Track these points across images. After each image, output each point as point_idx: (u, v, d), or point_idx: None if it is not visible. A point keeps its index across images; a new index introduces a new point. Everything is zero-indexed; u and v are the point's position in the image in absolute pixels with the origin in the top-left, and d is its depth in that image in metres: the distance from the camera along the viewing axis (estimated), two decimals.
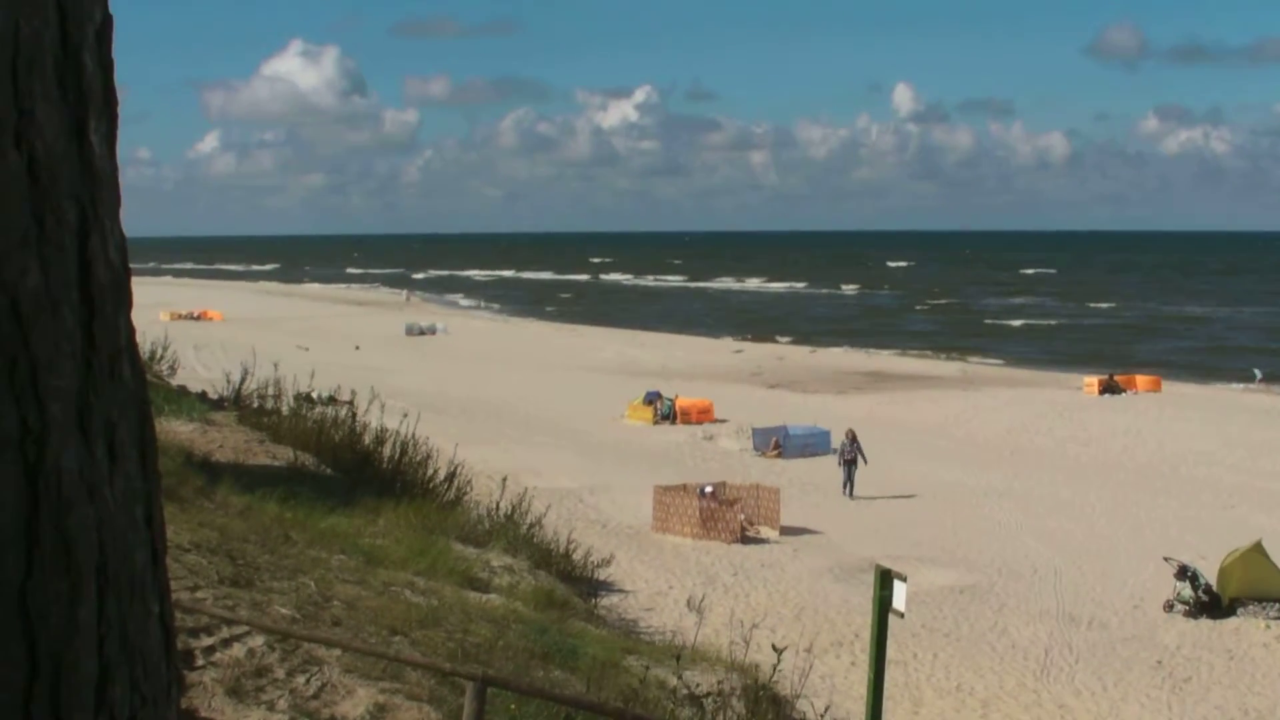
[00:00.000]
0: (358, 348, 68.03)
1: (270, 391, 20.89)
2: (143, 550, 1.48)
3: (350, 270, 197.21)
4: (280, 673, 8.16)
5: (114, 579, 1.40)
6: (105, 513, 1.39)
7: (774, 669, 10.70)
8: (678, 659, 10.78)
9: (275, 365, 21.20)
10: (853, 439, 33.75)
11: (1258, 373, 63.00)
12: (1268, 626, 22.64)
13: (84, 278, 1.39)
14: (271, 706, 7.76)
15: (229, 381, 22.36)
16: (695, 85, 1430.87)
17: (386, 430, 18.49)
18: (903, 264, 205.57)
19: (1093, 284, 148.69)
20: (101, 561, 1.37)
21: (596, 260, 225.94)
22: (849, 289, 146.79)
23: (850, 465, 33.47)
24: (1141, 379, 58.25)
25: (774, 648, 10.61)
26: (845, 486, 33.38)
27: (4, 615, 1.28)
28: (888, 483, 33.59)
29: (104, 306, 1.42)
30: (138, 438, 1.51)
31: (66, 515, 1.33)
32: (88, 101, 1.42)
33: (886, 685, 10.85)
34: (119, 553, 1.41)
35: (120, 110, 1.54)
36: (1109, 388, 55.49)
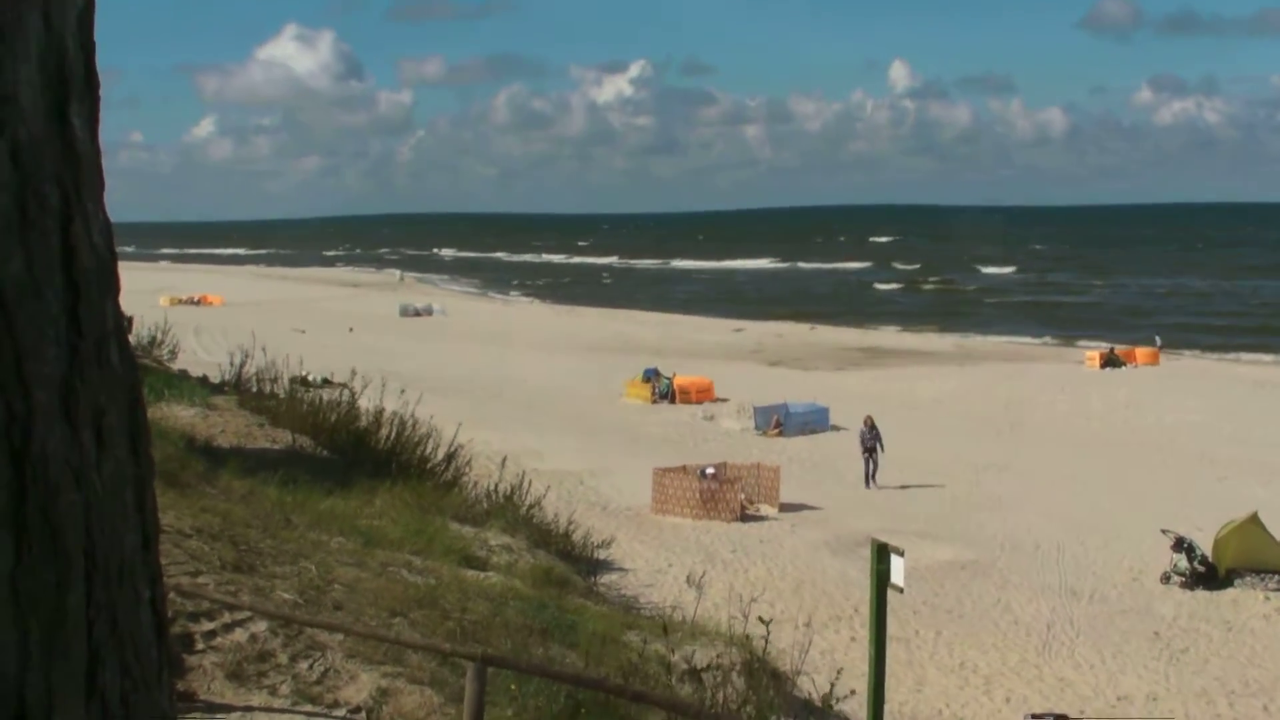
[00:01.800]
0: (351, 329, 68.06)
1: (269, 375, 20.88)
2: (133, 535, 1.47)
3: (347, 252, 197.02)
4: (283, 658, 8.18)
5: (103, 564, 1.39)
6: (93, 498, 1.39)
7: (765, 641, 10.68)
8: (666, 631, 10.80)
9: (264, 350, 21.15)
10: (871, 426, 32.44)
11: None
12: (1267, 598, 22.68)
13: (68, 262, 1.38)
14: (274, 691, 7.78)
15: (232, 364, 22.37)
16: (691, 59, 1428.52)
17: (382, 411, 18.49)
18: (902, 239, 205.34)
19: (1092, 258, 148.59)
20: (90, 547, 1.37)
21: (592, 241, 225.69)
22: (849, 265, 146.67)
23: (870, 454, 32.25)
24: (1141, 352, 58.33)
25: (760, 619, 10.46)
26: (868, 479, 32.15)
27: None
28: (888, 459, 33.49)
29: (89, 291, 1.41)
30: (127, 423, 1.50)
31: (53, 501, 1.33)
32: (69, 84, 1.41)
33: (889, 663, 10.83)
34: (107, 538, 1.40)
35: (108, 94, 1.53)
36: (1110, 361, 55.54)
